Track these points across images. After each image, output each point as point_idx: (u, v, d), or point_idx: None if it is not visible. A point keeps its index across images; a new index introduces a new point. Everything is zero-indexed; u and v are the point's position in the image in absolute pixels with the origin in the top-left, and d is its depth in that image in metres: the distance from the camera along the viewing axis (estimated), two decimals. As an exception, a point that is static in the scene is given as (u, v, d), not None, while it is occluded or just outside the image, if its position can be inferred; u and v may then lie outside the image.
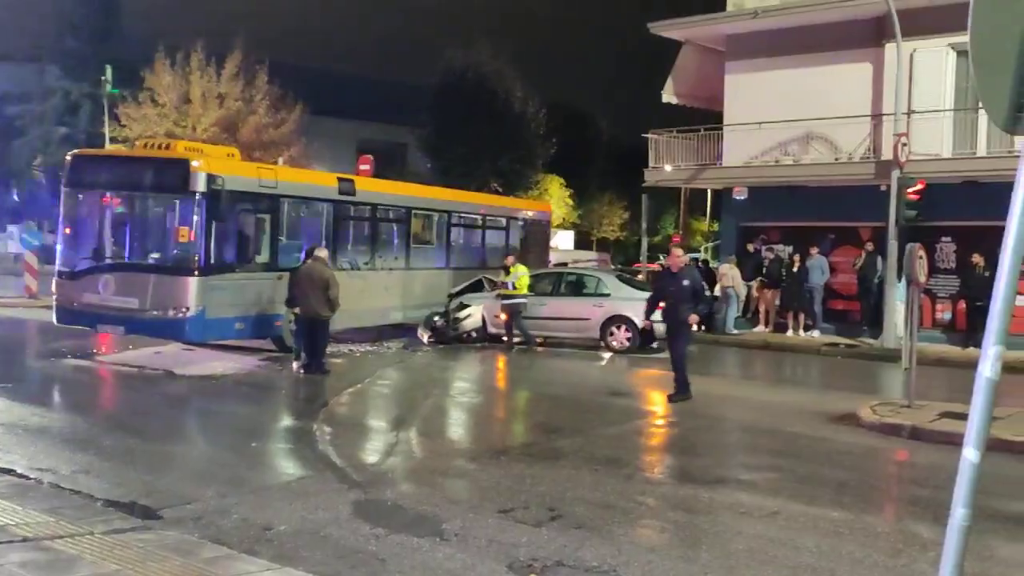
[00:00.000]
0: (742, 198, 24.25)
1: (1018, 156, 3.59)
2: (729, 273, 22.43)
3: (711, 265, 30.37)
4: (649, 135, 25.67)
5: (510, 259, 19.11)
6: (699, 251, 54.42)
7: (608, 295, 18.97)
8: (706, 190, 42.18)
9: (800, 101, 22.33)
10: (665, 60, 26.75)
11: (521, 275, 18.53)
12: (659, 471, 9.60)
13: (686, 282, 12.99)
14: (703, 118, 25.59)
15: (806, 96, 22.28)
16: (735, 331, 21.96)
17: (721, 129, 24.41)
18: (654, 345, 18.94)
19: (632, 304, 18.43)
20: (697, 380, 13.51)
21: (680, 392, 12.97)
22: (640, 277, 24.97)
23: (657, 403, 13.44)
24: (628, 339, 18.42)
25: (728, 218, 25.72)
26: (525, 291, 18.49)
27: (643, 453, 10.53)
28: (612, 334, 18.53)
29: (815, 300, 21.82)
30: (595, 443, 10.43)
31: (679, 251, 13.99)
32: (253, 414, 12.01)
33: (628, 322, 18.41)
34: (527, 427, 11.81)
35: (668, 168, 25.62)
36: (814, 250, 21.86)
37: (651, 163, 25.69)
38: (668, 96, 26.34)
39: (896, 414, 11.69)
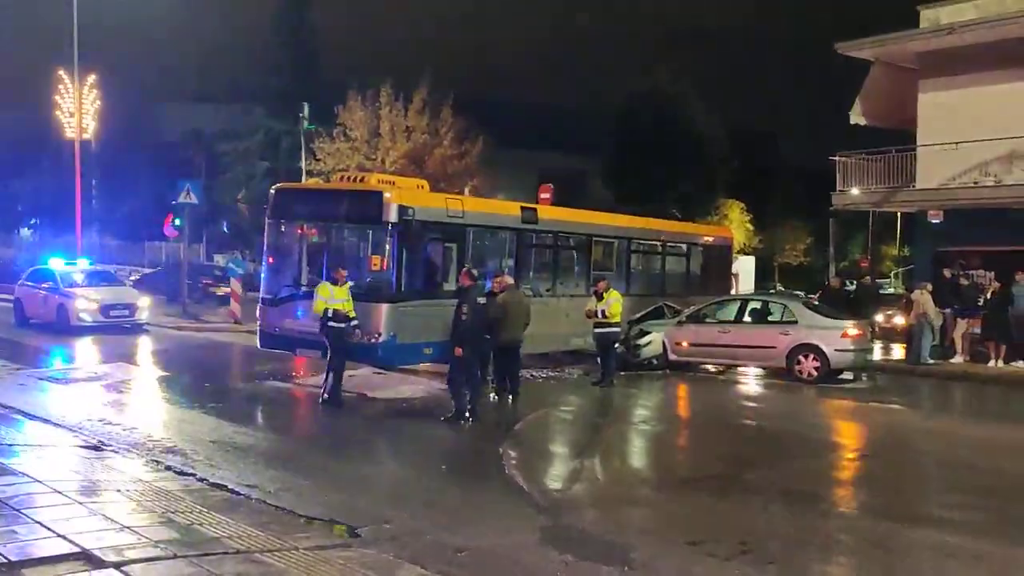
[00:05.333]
0: (938, 222, 23.18)
1: None
2: (921, 300, 21.35)
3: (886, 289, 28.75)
4: (837, 157, 24.89)
5: (602, 284, 17.06)
6: (888, 277, 52.10)
7: (795, 322, 18.42)
8: (896, 214, 40.42)
9: (1002, 119, 21.08)
10: (853, 80, 25.94)
11: (613, 302, 16.84)
12: (855, 506, 9.24)
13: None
14: (893, 140, 24.60)
15: (1009, 113, 21.06)
16: (930, 361, 20.87)
17: (914, 150, 23.39)
18: (847, 375, 18.29)
19: (821, 332, 17.86)
20: (892, 413, 12.95)
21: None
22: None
23: (849, 435, 12.96)
24: (816, 368, 17.82)
25: (922, 243, 24.61)
26: (617, 319, 17.07)
27: (837, 487, 10.17)
28: (799, 363, 17.96)
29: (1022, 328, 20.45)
30: (786, 476, 10.17)
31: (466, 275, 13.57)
32: (442, 437, 12.31)
33: (816, 351, 17.82)
34: (713, 457, 11.55)
35: (856, 191, 24.77)
36: (1021, 275, 20.52)
37: (839, 186, 24.94)
38: (856, 117, 25.50)
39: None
